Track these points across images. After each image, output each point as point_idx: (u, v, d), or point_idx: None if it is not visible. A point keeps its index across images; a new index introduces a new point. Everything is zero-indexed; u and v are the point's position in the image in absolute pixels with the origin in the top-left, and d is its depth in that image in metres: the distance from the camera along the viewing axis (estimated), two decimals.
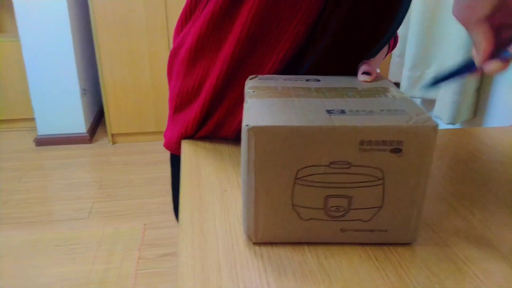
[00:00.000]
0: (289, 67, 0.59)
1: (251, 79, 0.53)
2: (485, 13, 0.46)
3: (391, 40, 0.66)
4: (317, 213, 0.42)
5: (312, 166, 0.40)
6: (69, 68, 2.56)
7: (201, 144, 0.65)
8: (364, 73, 0.53)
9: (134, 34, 2.49)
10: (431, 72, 1.58)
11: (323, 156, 0.39)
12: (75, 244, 1.80)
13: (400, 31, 0.63)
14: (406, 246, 0.45)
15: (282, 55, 0.57)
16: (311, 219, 0.43)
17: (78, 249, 1.77)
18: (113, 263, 1.69)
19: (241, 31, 0.56)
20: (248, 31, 0.55)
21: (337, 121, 0.39)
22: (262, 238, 0.44)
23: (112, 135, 2.72)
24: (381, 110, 0.42)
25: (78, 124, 2.70)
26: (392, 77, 1.83)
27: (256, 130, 0.39)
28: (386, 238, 0.44)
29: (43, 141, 2.70)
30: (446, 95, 1.39)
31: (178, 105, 0.66)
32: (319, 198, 0.42)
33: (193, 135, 0.66)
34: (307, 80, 0.52)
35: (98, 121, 3.01)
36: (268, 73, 0.58)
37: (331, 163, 0.40)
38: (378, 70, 0.57)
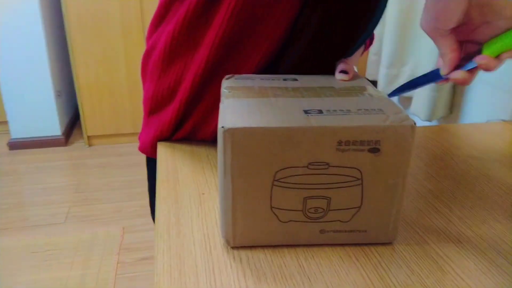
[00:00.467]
0: (267, 69, 0.58)
1: (227, 78, 0.52)
2: (451, 26, 0.47)
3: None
4: (296, 215, 0.42)
5: (290, 167, 0.39)
6: (42, 69, 2.50)
7: (178, 146, 0.64)
8: (341, 71, 0.53)
9: (109, 34, 2.44)
10: (408, 70, 1.59)
11: (301, 157, 0.39)
12: (52, 250, 1.76)
13: (376, 30, 0.63)
14: (386, 245, 0.44)
15: (260, 57, 0.57)
16: (290, 221, 0.42)
17: (55, 255, 1.72)
18: (92, 268, 1.65)
19: (217, 34, 0.55)
20: (224, 34, 0.54)
21: (315, 121, 0.39)
22: (240, 242, 0.43)
23: (88, 137, 2.66)
24: (359, 110, 0.41)
25: (53, 126, 2.64)
26: (369, 75, 1.85)
27: (232, 132, 0.38)
28: (365, 238, 0.44)
29: (17, 145, 2.62)
30: (422, 92, 1.40)
31: (153, 107, 0.64)
32: (297, 200, 0.41)
33: (169, 137, 0.65)
34: (285, 80, 0.52)
35: (73, 123, 2.94)
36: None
37: (309, 164, 0.39)
38: (355, 69, 0.57)
